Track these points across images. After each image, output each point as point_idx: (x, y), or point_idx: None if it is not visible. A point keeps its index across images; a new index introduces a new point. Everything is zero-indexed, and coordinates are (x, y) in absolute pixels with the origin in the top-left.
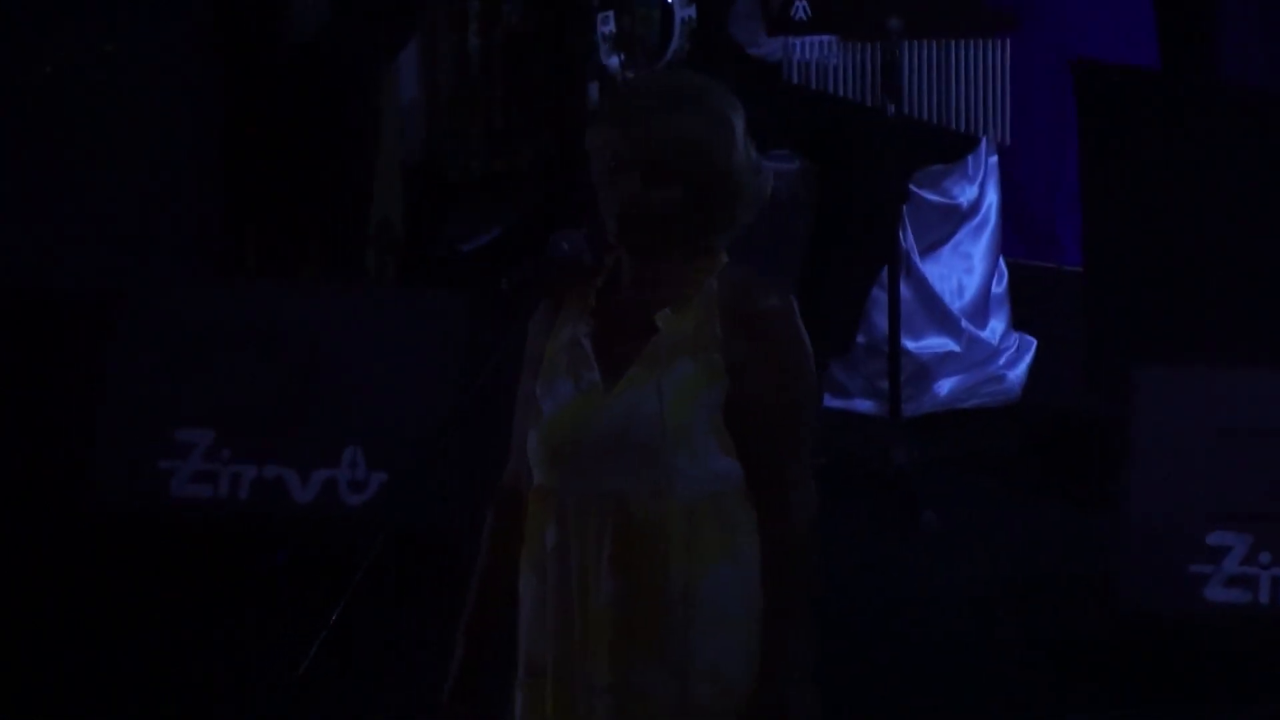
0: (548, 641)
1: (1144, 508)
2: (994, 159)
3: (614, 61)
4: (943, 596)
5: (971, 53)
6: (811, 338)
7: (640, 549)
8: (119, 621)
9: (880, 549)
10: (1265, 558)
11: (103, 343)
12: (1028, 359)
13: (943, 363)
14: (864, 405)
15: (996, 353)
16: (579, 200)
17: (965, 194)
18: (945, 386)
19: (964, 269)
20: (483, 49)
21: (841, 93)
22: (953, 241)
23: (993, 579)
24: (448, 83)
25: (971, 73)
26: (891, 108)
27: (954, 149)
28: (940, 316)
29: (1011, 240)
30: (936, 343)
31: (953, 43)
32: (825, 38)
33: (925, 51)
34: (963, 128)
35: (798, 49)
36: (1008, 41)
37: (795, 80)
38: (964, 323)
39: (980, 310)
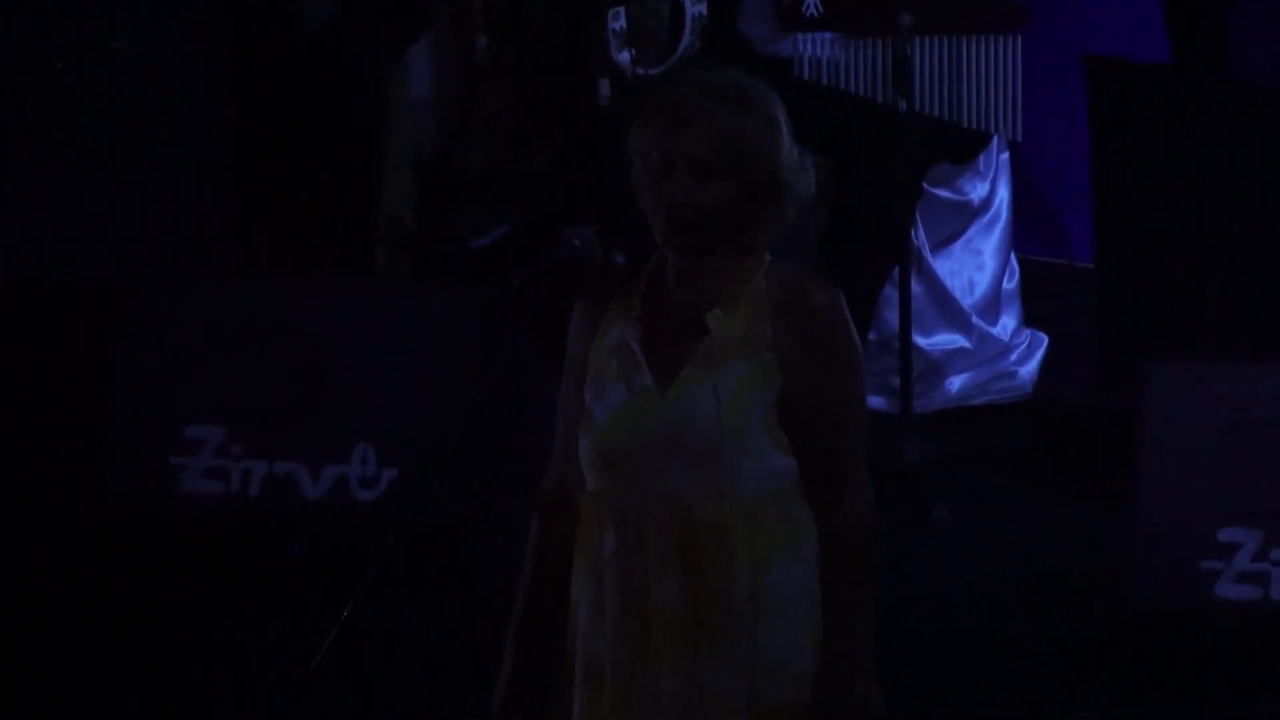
0: (607, 646)
1: (1155, 504)
2: (1005, 155)
3: (624, 58)
4: (954, 592)
5: (982, 49)
6: None
7: (703, 550)
8: (130, 618)
9: (892, 545)
10: (1276, 554)
11: (113, 339)
12: (1039, 355)
13: (954, 359)
14: (875, 402)
15: (1008, 349)
16: (589, 197)
17: (976, 190)
18: (956, 383)
19: (975, 265)
20: (492, 45)
21: (852, 90)
22: (964, 238)
23: (1004, 575)
24: (457, 80)
25: (982, 69)
26: (903, 104)
27: (966, 148)
28: (951, 313)
29: (1023, 236)
30: (948, 339)
31: (964, 39)
32: (835, 34)
33: (936, 48)
34: (974, 124)
35: (808, 46)
36: (1019, 37)
37: (806, 77)
38: (975, 319)
39: (991, 306)
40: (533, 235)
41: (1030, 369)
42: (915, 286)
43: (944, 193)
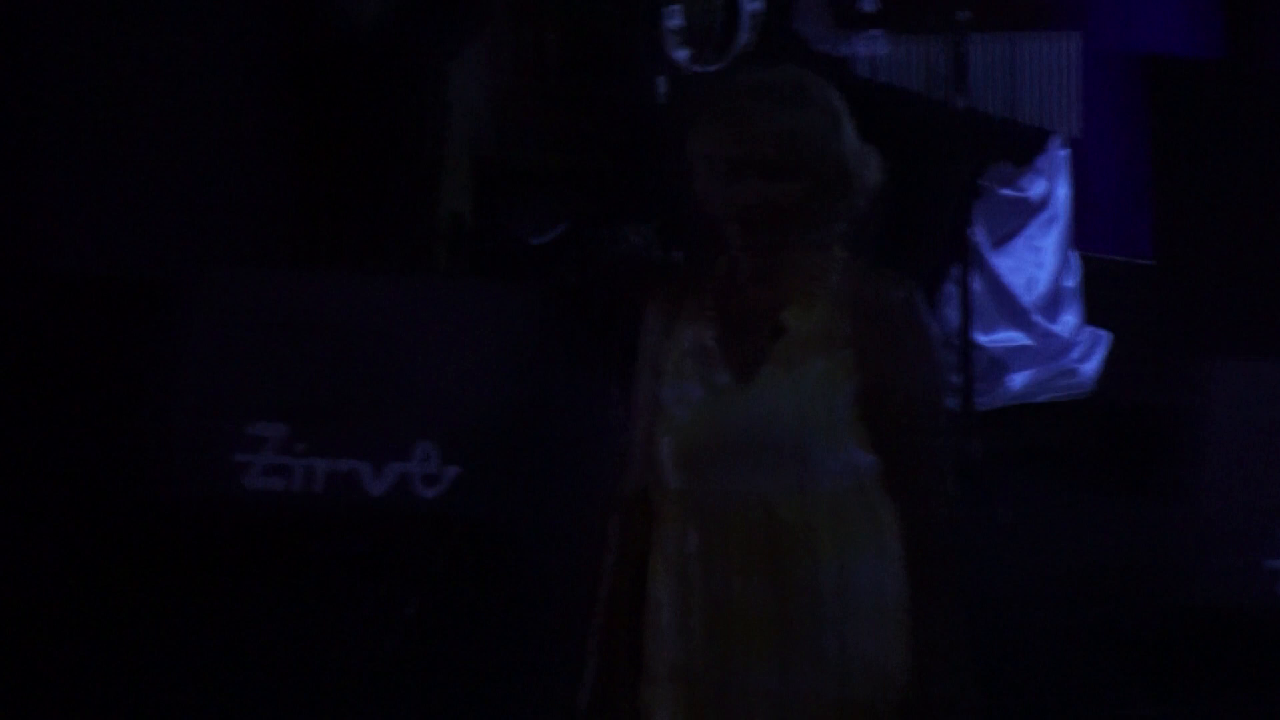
0: (692, 646)
1: (1216, 501)
2: (1064, 152)
3: (681, 55)
4: (1014, 588)
5: (1040, 46)
6: None
7: (788, 548)
8: (192, 615)
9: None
10: None
11: (176, 335)
12: (1100, 352)
13: (1015, 356)
14: None
15: (1069, 346)
16: (647, 194)
17: (1036, 187)
18: (1017, 380)
19: (1035, 263)
20: (550, 42)
21: (908, 87)
22: (1024, 235)
23: (1064, 571)
24: (515, 76)
25: (1040, 66)
26: (960, 102)
27: (1025, 148)
28: (1012, 310)
29: (1083, 233)
30: (1008, 336)
31: (1022, 36)
32: (891, 31)
33: (993, 45)
34: (1032, 121)
35: (864, 43)
36: (1077, 34)
37: (862, 75)
38: (1036, 316)
39: (1052, 304)
40: (591, 232)
41: (1091, 366)
42: (975, 284)
43: (1004, 190)
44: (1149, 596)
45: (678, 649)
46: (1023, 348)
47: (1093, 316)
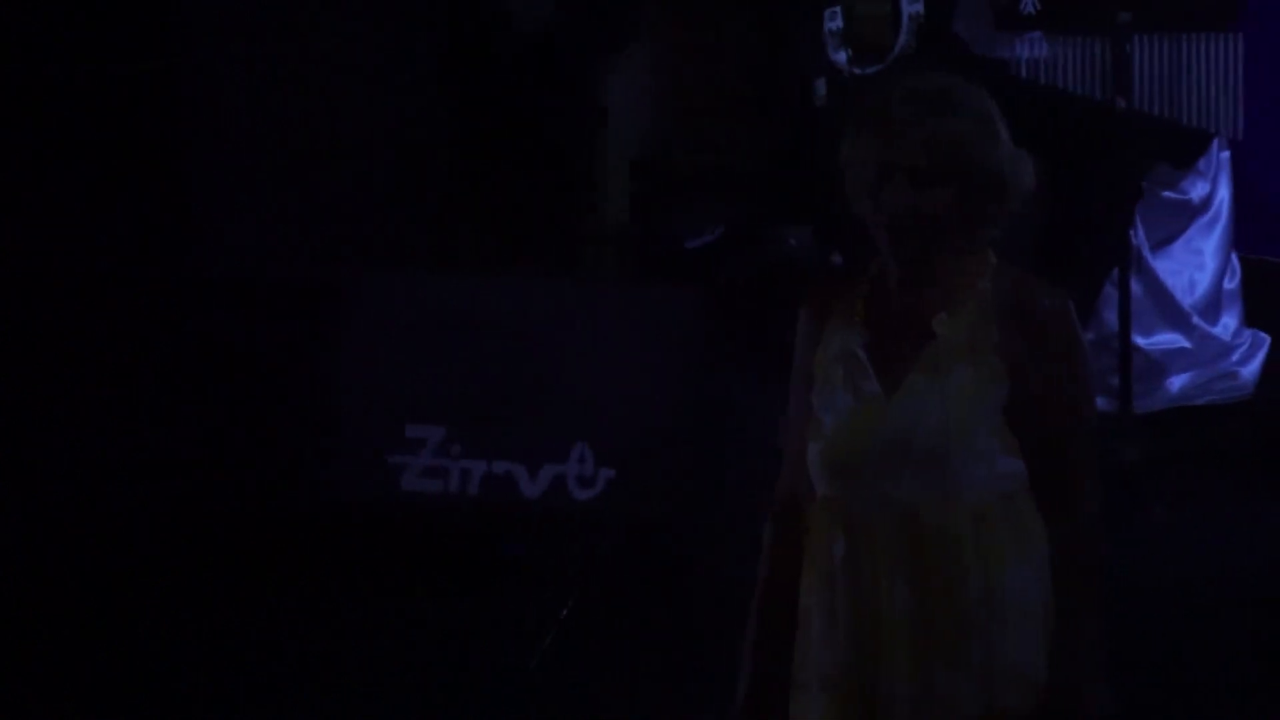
0: (839, 654)
1: None
2: (1226, 154)
3: (841, 57)
4: (1172, 592)
5: (1202, 46)
6: None
7: (934, 555)
8: (349, 614)
9: (1110, 544)
10: None
11: (335, 337)
12: (1261, 355)
13: (1174, 359)
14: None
15: (1229, 349)
16: (805, 197)
17: (1197, 189)
18: (1177, 383)
19: (1196, 265)
20: (712, 45)
21: (1069, 89)
22: (1184, 237)
23: (1222, 575)
24: (670, 79)
25: (1202, 66)
26: (1121, 103)
27: (1186, 150)
28: (1172, 313)
29: (1244, 236)
30: (1168, 339)
31: (1183, 36)
32: (1052, 33)
33: (1155, 45)
34: (1194, 123)
35: (1024, 45)
36: (1239, 35)
37: (1022, 76)
38: (1195, 319)
39: (1212, 306)
40: (749, 235)
41: (1252, 369)
42: (1135, 286)
43: (1165, 192)
44: None
45: (826, 657)
46: (1182, 350)
47: (1253, 319)
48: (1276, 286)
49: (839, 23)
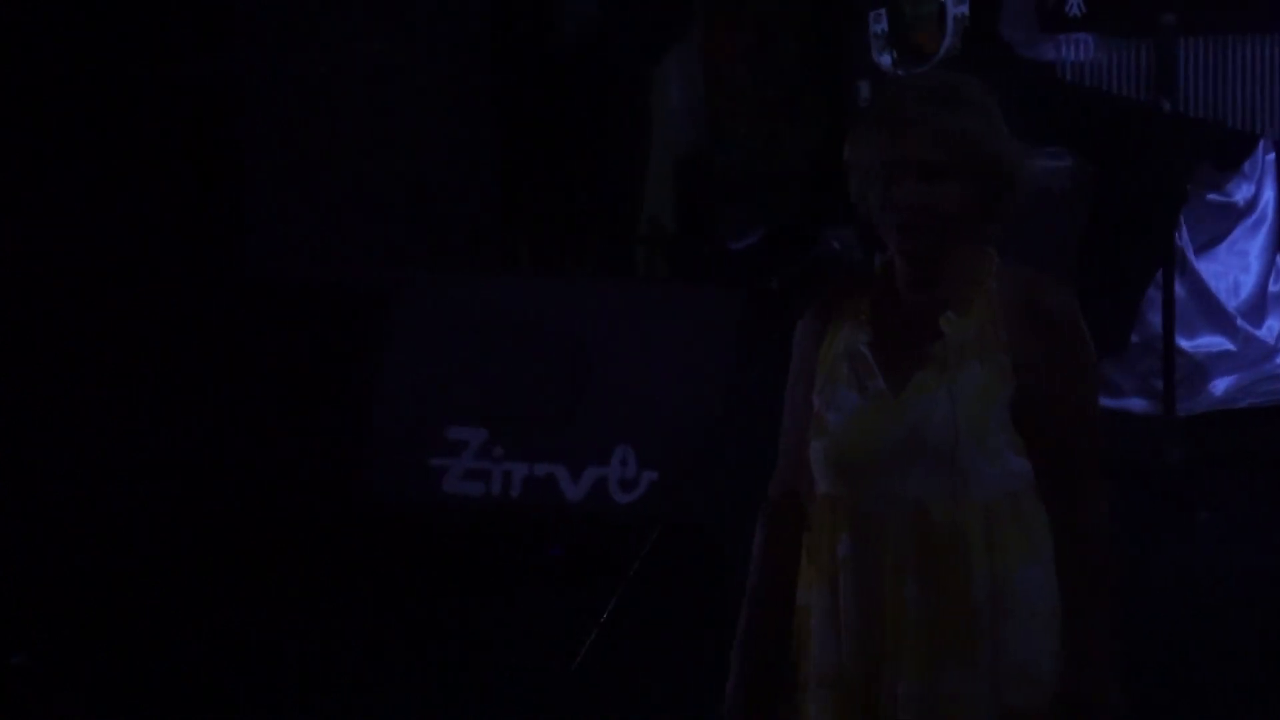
0: (843, 651)
1: None
2: (1271, 156)
3: (885, 60)
4: (1216, 594)
5: (1247, 48)
6: None
7: (942, 553)
8: (389, 615)
9: (1154, 545)
10: None
11: (377, 339)
12: None
13: (1218, 362)
14: (1138, 404)
15: (1273, 351)
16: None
17: (1242, 191)
18: (1220, 385)
19: (1240, 267)
20: (751, 47)
21: (1114, 91)
22: (1229, 240)
23: (1267, 577)
24: (716, 81)
25: (1247, 69)
26: (1166, 105)
27: (1231, 152)
28: (1216, 315)
29: None
30: (1211, 341)
31: (1228, 38)
32: (1097, 35)
33: (1199, 47)
34: (1239, 125)
35: (1069, 48)
36: None
37: (1067, 79)
38: (1240, 321)
39: (1257, 309)
40: (792, 237)
41: None
42: (1179, 288)
43: (1209, 194)
44: None
45: (828, 654)
46: (1226, 353)
47: None
48: None
49: (884, 25)
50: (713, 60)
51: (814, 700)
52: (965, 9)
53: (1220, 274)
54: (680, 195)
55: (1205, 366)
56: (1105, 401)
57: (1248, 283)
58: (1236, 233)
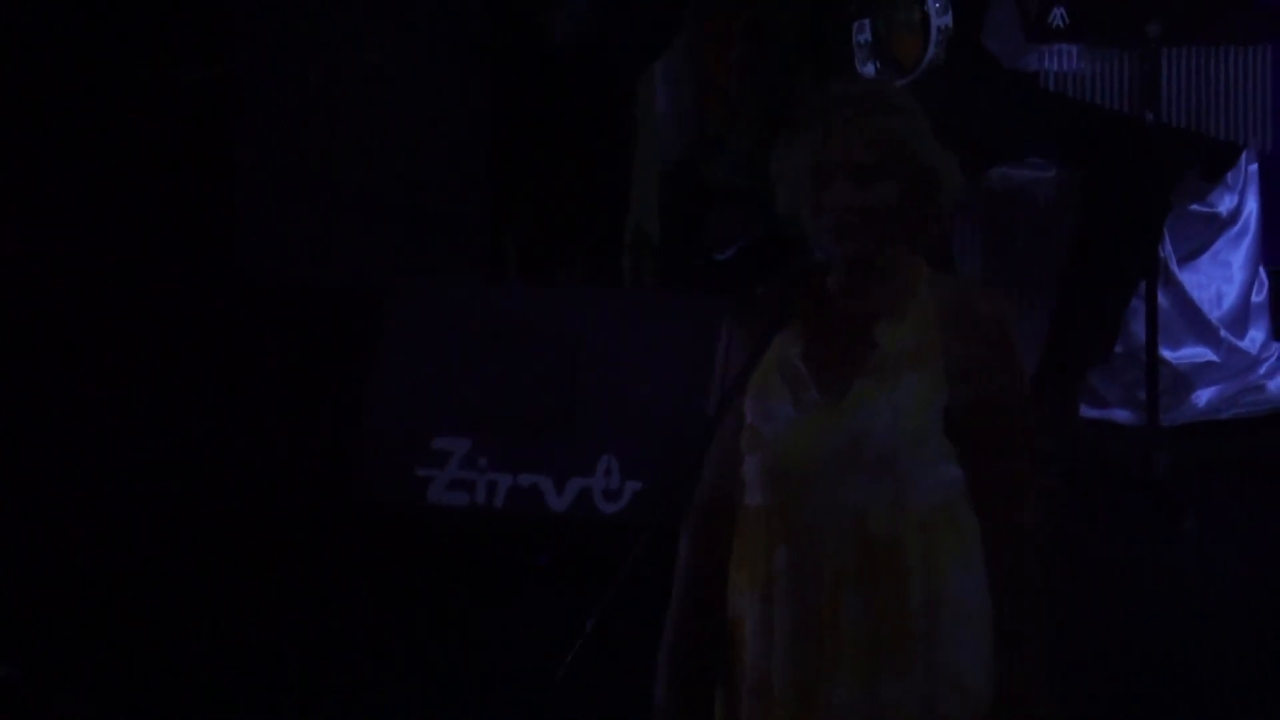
0: (776, 662)
1: None
2: (1254, 166)
3: (869, 70)
4: (1202, 604)
5: (1231, 59)
6: (1071, 345)
7: (880, 562)
8: (372, 625)
9: (1140, 556)
10: None
11: (364, 347)
12: None
13: (1201, 372)
14: (1122, 414)
15: (1256, 362)
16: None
17: (1225, 202)
18: (1204, 396)
19: (1223, 278)
20: (737, 57)
21: (1098, 101)
22: (1212, 250)
23: (1253, 588)
24: (703, 91)
25: (1232, 80)
26: (1150, 116)
27: (1215, 163)
28: (1199, 326)
29: (1272, 248)
30: (1195, 352)
31: (1212, 49)
32: (1081, 46)
33: (1184, 58)
34: (1223, 136)
35: (1054, 59)
36: (1269, 47)
37: (1051, 89)
38: (1223, 332)
39: (1240, 319)
40: (778, 246)
41: (1279, 382)
42: (1162, 299)
43: (1193, 205)
44: None
45: (761, 664)
46: (1209, 364)
47: None
48: None
49: (867, 35)
50: (702, 70)
51: (747, 710)
52: (949, 20)
53: (1203, 285)
54: (667, 204)
55: (1189, 377)
56: (1090, 411)
57: (1231, 293)
58: (1220, 243)
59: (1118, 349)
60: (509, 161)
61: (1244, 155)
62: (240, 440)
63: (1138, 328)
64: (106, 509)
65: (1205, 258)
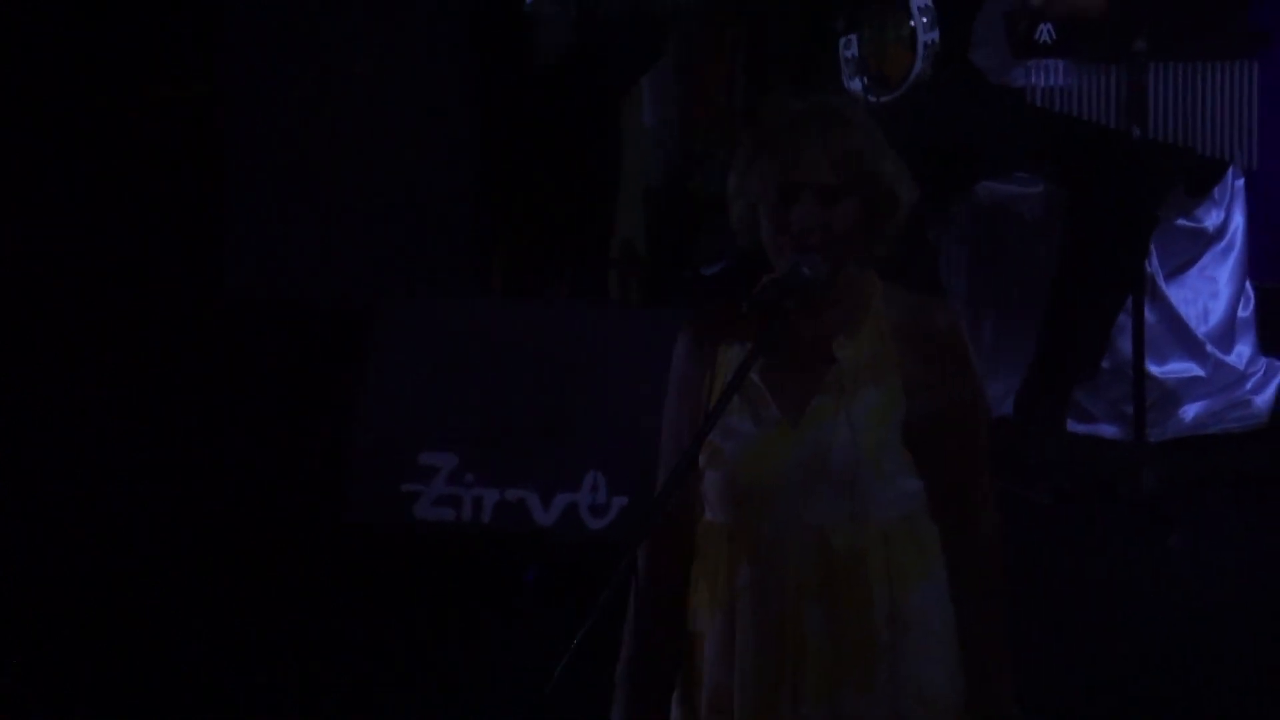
0: (738, 679)
1: None
2: (1240, 182)
3: (856, 85)
4: (1191, 619)
5: (1218, 75)
6: (1058, 360)
7: (842, 577)
8: (360, 643)
9: (1127, 571)
10: None
11: (354, 357)
12: (1275, 384)
13: (1188, 387)
14: (1108, 430)
15: (1243, 377)
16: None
17: (1211, 217)
18: (1190, 411)
19: (1209, 293)
20: (731, 73)
21: (1085, 117)
22: (1198, 265)
23: (1239, 603)
24: (689, 106)
25: (1218, 95)
26: (1137, 131)
27: (1202, 177)
28: (1186, 341)
29: (1258, 264)
30: (1182, 367)
31: (1199, 65)
32: (1068, 61)
33: (1171, 74)
34: (1209, 151)
35: (1040, 74)
36: (1255, 63)
37: (1038, 104)
38: (1210, 347)
39: (1226, 334)
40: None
41: (1266, 397)
42: (1149, 314)
43: (1179, 220)
44: None
45: (721, 682)
46: (1196, 379)
47: (1268, 347)
48: None
49: (854, 50)
50: (690, 85)
51: None
52: (936, 35)
53: (1190, 300)
54: (654, 219)
55: (1176, 392)
56: (1077, 427)
57: (1217, 309)
58: (1206, 259)
59: (1104, 364)
60: (497, 177)
61: (1230, 170)
62: (226, 454)
63: (1124, 343)
64: (94, 524)
65: (1192, 273)
